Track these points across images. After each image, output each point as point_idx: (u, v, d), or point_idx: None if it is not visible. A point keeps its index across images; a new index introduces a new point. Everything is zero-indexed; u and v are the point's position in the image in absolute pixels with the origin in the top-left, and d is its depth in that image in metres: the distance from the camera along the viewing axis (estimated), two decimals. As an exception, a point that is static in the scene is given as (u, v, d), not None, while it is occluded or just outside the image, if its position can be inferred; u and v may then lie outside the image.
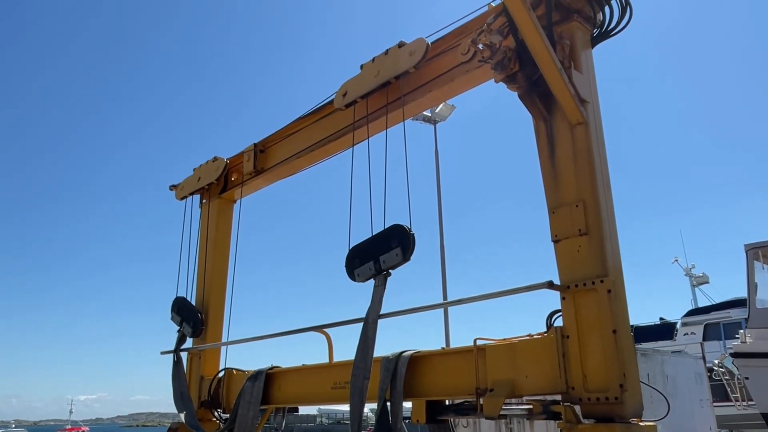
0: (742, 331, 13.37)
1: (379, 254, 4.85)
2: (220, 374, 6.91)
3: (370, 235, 5.03)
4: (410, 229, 4.73)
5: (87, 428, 62.68)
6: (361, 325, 4.94)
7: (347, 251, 5.17)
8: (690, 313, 27.89)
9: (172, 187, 8.34)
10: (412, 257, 4.73)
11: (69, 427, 61.05)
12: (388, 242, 4.81)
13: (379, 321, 4.87)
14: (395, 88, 5.54)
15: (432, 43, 5.29)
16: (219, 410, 6.91)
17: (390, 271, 4.87)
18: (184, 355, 7.32)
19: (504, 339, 4.52)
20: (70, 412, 68.73)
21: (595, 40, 4.68)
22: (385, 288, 4.87)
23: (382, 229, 4.97)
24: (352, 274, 5.06)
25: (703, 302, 33.34)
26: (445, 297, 20.04)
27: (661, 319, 29.07)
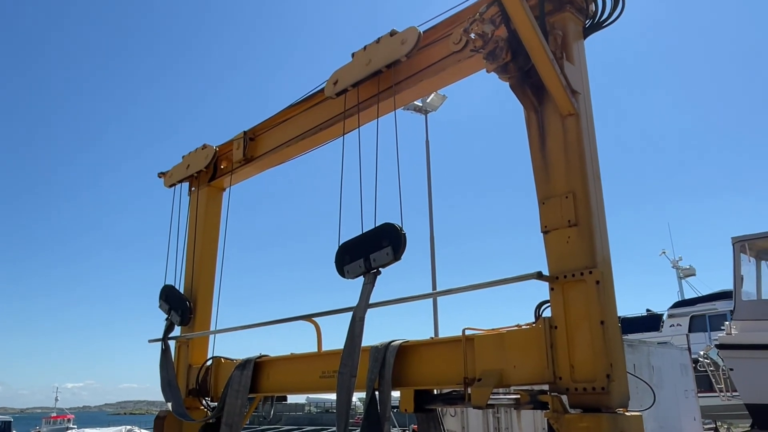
0: (727, 323, 13.52)
1: (369, 252, 4.82)
2: (208, 363, 6.89)
3: (361, 232, 5.01)
4: (401, 228, 4.70)
5: (73, 416, 62.28)
6: (349, 314, 4.93)
7: (338, 244, 5.14)
8: (676, 305, 28.16)
9: (161, 174, 8.29)
10: (402, 256, 4.72)
11: (54, 414, 60.76)
12: (379, 240, 4.78)
13: (369, 310, 4.87)
14: (386, 77, 5.50)
15: (424, 32, 5.26)
16: (207, 399, 6.90)
17: (380, 269, 4.87)
18: (172, 344, 7.30)
19: (492, 329, 4.53)
20: (56, 399, 68.49)
21: (587, 31, 4.67)
22: (373, 286, 4.85)
23: (373, 222, 4.95)
24: (341, 271, 5.03)
25: (689, 294, 33.75)
26: (434, 287, 20.11)
27: (647, 310, 29.34)
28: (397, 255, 4.69)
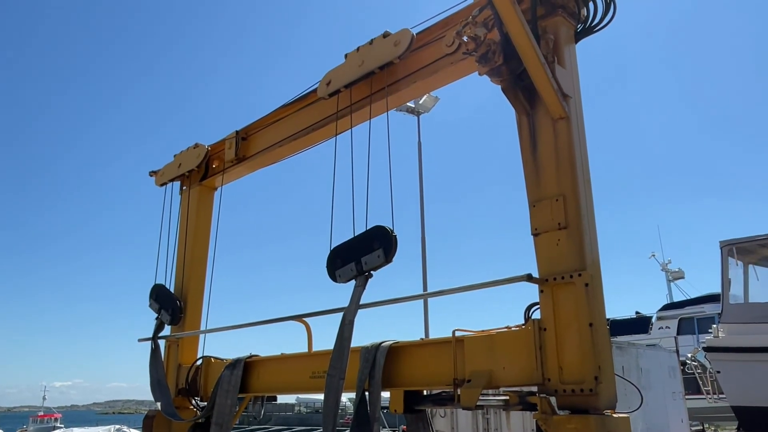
0: (715, 325, 13.57)
1: (360, 255, 4.82)
2: (198, 362, 6.88)
3: (353, 233, 5.01)
4: (392, 231, 4.71)
5: (60, 415, 61.70)
6: (340, 314, 4.94)
7: (329, 244, 5.14)
8: (665, 308, 28.32)
9: (152, 173, 8.27)
10: (394, 259, 4.73)
11: (41, 413, 60.26)
12: (370, 243, 4.78)
13: (360, 310, 4.88)
14: (379, 79, 5.52)
15: (417, 34, 5.28)
16: (196, 398, 6.88)
17: (371, 272, 4.87)
18: (162, 343, 7.28)
19: (482, 330, 4.55)
20: (44, 398, 67.94)
21: (578, 36, 4.70)
22: (364, 289, 4.86)
23: (364, 224, 4.95)
24: (333, 275, 5.03)
25: (678, 297, 33.96)
26: (425, 288, 20.11)
27: (636, 313, 29.51)
28: (388, 257, 4.70)
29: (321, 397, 4.82)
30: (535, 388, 4.05)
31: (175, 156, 7.97)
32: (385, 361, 4.81)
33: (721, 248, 13.73)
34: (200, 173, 7.71)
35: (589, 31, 4.70)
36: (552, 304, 4.03)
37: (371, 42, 5.54)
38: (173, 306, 7.13)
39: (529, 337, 4.09)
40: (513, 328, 4.34)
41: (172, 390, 6.89)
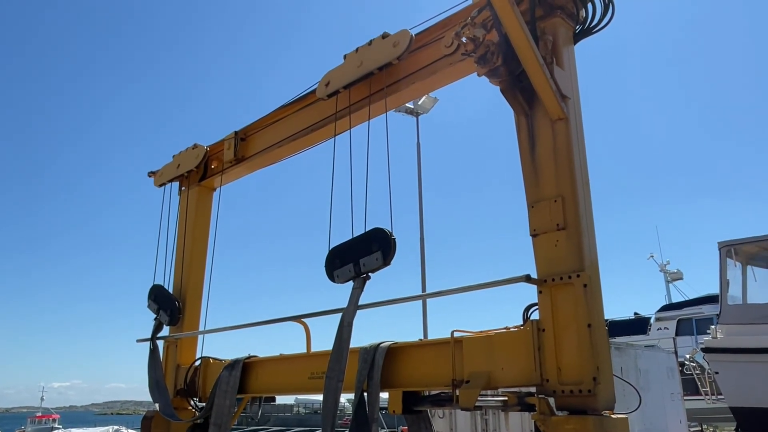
0: (713, 326, 13.59)
1: (359, 257, 4.83)
2: (197, 363, 6.88)
3: (351, 234, 5.01)
4: (391, 234, 4.71)
5: (58, 416, 61.59)
6: (338, 315, 4.94)
7: (328, 245, 5.15)
8: (663, 309, 28.37)
9: (151, 173, 8.26)
10: (392, 262, 4.73)
11: (40, 414, 60.20)
12: (369, 245, 4.78)
13: (358, 311, 4.88)
14: (378, 79, 5.52)
15: (416, 35, 5.29)
16: (195, 399, 6.88)
17: (369, 274, 4.87)
18: (160, 343, 7.27)
19: (481, 331, 4.56)
20: (42, 399, 67.90)
21: (577, 37, 4.71)
22: (362, 290, 4.86)
23: (363, 225, 4.95)
24: (331, 276, 5.04)
25: (676, 298, 33.98)
26: (423, 288, 20.12)
27: (635, 313, 29.56)
28: (386, 260, 4.70)
29: (320, 398, 4.82)
30: (533, 389, 4.06)
31: (173, 156, 7.97)
32: (384, 362, 4.81)
33: (719, 249, 13.75)
34: (199, 174, 7.72)
35: (587, 32, 4.70)
36: (551, 304, 4.04)
37: (370, 43, 5.54)
38: (172, 306, 7.13)
39: (527, 338, 4.09)
40: (512, 329, 4.34)
41: (170, 391, 6.88)
